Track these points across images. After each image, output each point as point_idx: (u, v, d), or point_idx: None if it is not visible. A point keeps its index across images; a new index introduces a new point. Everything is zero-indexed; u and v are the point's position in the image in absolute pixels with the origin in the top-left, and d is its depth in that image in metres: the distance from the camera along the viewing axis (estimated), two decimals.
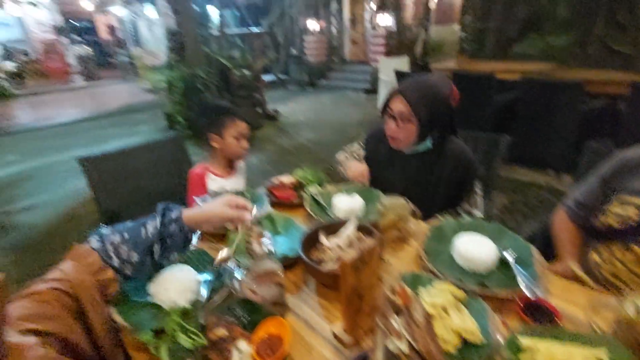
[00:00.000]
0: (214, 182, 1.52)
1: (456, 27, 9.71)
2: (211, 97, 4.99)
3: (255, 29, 8.34)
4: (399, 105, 1.18)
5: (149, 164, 1.86)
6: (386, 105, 1.24)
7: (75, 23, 15.06)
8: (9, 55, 12.41)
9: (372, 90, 7.46)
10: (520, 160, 3.50)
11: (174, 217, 0.75)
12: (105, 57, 14.69)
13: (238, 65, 5.32)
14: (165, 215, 0.75)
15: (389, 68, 5.23)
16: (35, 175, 4.12)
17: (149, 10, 9.27)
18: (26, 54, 12.79)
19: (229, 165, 1.57)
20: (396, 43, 6.75)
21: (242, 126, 1.48)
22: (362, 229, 0.93)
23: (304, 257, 0.85)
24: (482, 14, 5.95)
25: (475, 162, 1.27)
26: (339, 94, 7.90)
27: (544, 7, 5.22)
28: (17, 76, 11.97)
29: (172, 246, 0.75)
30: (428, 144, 1.25)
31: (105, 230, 0.72)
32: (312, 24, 8.72)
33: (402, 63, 5.43)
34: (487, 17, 5.67)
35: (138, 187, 1.83)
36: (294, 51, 9.31)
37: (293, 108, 6.81)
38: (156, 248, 0.73)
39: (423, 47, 7.39)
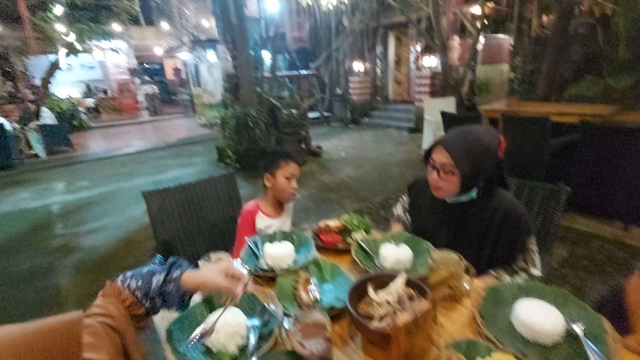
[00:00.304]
0: (262, 221, 1.59)
1: (505, 66, 9.53)
2: (260, 133, 5.29)
3: (303, 71, 8.89)
4: (441, 157, 1.17)
5: (203, 199, 1.98)
6: (428, 154, 1.24)
7: (147, 66, 17.15)
8: (90, 92, 14.36)
9: (416, 130, 7.45)
10: (581, 209, 3.22)
11: (175, 276, 0.76)
12: (169, 95, 16.42)
13: (286, 104, 5.64)
14: (169, 272, 0.77)
15: (434, 108, 5.23)
16: (101, 201, 4.55)
17: (210, 55, 10.30)
18: (105, 92, 14.71)
19: (279, 206, 1.63)
20: (441, 83, 6.78)
21: (293, 167, 1.56)
22: (412, 284, 0.91)
23: (352, 311, 0.84)
24: (533, 55, 5.85)
25: (526, 218, 1.19)
26: (381, 132, 7.98)
27: (601, 48, 5.02)
28: (94, 110, 13.77)
29: (169, 303, 0.76)
30: (472, 194, 1.22)
31: (128, 273, 0.76)
32: (357, 66, 9.10)
33: (448, 104, 5.40)
34: (538, 58, 5.55)
35: (191, 220, 1.95)
36: (338, 90, 9.70)
37: (335, 145, 6.97)
38: (157, 301, 0.75)
39: (470, 87, 7.33)
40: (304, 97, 6.34)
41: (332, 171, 5.27)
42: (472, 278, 1.04)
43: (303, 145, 5.86)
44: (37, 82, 11.11)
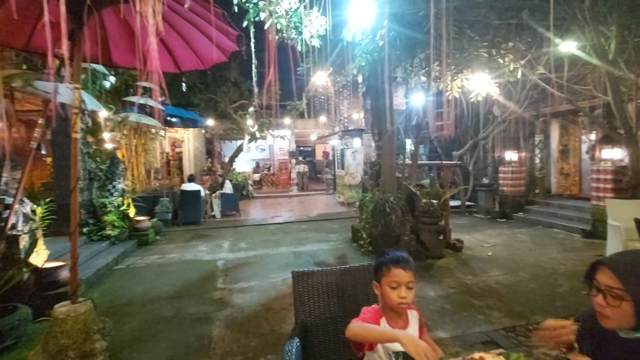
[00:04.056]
0: (387, 327, 1.43)
1: None
2: (396, 219, 5.27)
3: (445, 161, 8.77)
4: (606, 279, 1.00)
5: (343, 286, 2.02)
6: (591, 274, 1.06)
7: (302, 148, 20.41)
8: (258, 168, 17.85)
9: (593, 234, 5.98)
10: None
11: None
12: (316, 173, 18.79)
13: (426, 193, 5.54)
14: None
15: (622, 212, 4.16)
16: (253, 263, 5.24)
17: (356, 141, 11.48)
18: (269, 169, 18.05)
19: (399, 315, 1.44)
20: (632, 181, 5.40)
21: (397, 274, 1.35)
22: None
23: None
24: None
25: None
26: (541, 232, 6.72)
27: None
28: (258, 183, 16.87)
29: None
30: None
31: None
32: (510, 155, 8.36)
33: None
34: None
35: (328, 306, 1.99)
36: (485, 180, 8.98)
37: (479, 240, 6.22)
38: None
39: None
40: (445, 186, 6.11)
41: (476, 271, 4.63)
42: None
43: (441, 237, 5.47)
44: (226, 160, 14.67)
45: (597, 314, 1.03)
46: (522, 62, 5.48)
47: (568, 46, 4.90)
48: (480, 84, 5.67)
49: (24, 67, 4.82)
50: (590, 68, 5.79)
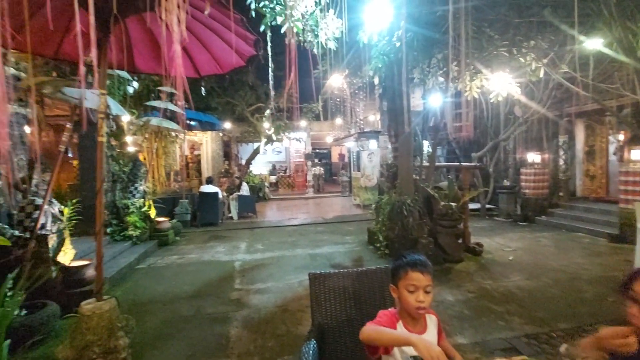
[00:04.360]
0: (404, 331, 1.42)
1: None
2: (413, 222, 5.20)
3: (464, 162, 8.60)
4: None
5: (358, 289, 2.02)
6: (628, 285, 1.01)
7: (318, 150, 20.47)
8: (274, 171, 18.03)
9: (621, 238, 5.72)
10: None
11: None
12: (332, 175, 18.81)
13: (444, 195, 5.45)
14: None
15: None
16: (269, 265, 5.29)
17: (372, 143, 11.41)
18: (285, 171, 18.20)
19: (415, 321, 1.42)
20: None
21: (415, 278, 1.33)
22: None
23: None
24: None
25: None
26: (565, 236, 6.49)
27: None
28: (274, 185, 17.03)
29: None
30: None
31: None
32: (532, 156, 8.12)
33: None
34: None
35: (344, 308, 1.99)
36: (505, 182, 8.75)
37: (500, 244, 6.06)
38: None
39: None
40: (464, 188, 5.99)
41: (496, 276, 4.51)
42: None
43: (460, 241, 5.36)
44: (243, 162, 14.88)
45: (633, 326, 0.98)
46: (545, 60, 5.33)
47: (593, 43, 4.73)
48: (500, 84, 5.54)
49: (54, 74, 5.04)
50: (618, 66, 5.56)
